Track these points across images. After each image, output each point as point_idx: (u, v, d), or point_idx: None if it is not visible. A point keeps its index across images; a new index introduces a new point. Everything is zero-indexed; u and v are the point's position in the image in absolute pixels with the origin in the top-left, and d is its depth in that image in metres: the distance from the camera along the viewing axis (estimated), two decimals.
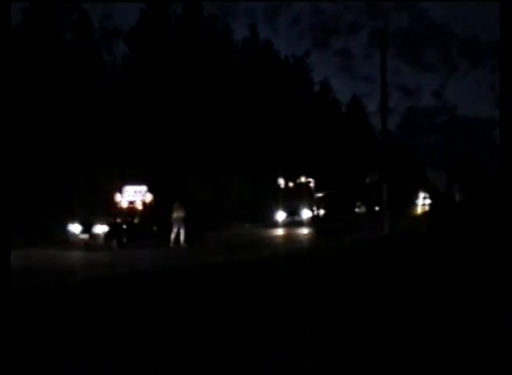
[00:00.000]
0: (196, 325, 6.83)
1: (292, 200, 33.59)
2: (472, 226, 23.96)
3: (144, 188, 23.26)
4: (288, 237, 25.49)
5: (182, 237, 21.30)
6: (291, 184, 35.22)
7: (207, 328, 6.61)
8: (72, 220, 21.56)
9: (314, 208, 35.32)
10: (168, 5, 38.37)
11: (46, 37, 30.82)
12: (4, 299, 5.68)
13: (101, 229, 20.97)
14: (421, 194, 66.57)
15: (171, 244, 21.11)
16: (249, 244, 20.72)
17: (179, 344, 6.07)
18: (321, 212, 36.61)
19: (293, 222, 33.05)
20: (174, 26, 38.99)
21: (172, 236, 21.26)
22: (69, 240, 21.25)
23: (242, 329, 6.69)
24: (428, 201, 62.96)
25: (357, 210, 42.89)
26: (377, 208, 38.54)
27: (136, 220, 22.15)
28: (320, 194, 36.89)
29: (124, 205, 23.14)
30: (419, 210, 56.10)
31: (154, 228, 22.43)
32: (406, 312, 7.67)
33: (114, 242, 20.86)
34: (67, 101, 29.65)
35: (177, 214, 21.47)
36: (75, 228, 21.39)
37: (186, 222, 21.49)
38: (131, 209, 22.82)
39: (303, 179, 35.73)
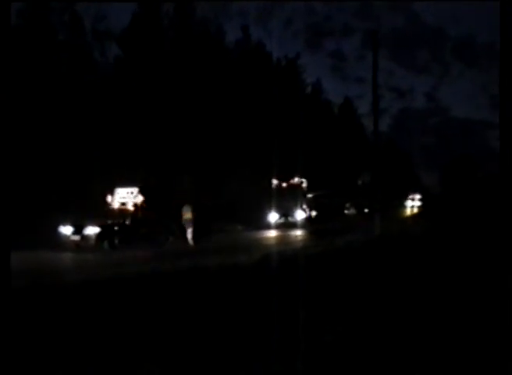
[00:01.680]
0: (182, 336, 6.79)
1: (285, 201, 33.40)
2: (463, 227, 24.04)
3: (135, 190, 23.30)
4: (282, 239, 25.48)
5: (190, 236, 22.67)
6: (284, 185, 35.09)
7: (192, 340, 6.57)
8: (64, 222, 21.55)
9: (307, 210, 35.20)
10: (161, 6, 38.34)
11: (38, 38, 30.74)
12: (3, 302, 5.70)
13: (92, 230, 20.95)
14: (410, 196, 66.58)
15: (190, 243, 22.44)
16: (243, 246, 20.69)
17: (162, 352, 6.08)
18: (313, 213, 36.50)
19: (286, 223, 32.86)
20: (166, 26, 38.97)
21: (189, 236, 22.71)
22: (60, 241, 21.22)
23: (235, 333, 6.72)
24: (417, 203, 62.99)
25: (346, 212, 42.76)
26: (366, 210, 38.57)
27: (127, 222, 22.17)
28: (310, 195, 36.83)
29: (116, 206, 23.18)
30: (408, 212, 56.19)
31: (144, 230, 22.46)
32: (401, 309, 7.74)
33: (106, 244, 20.85)
34: (59, 102, 29.59)
35: (186, 215, 22.68)
36: (66, 230, 21.37)
37: (194, 223, 22.90)
38: (123, 211, 22.85)
39: (296, 179, 35.63)
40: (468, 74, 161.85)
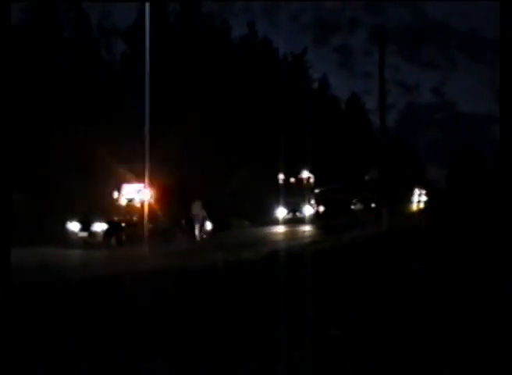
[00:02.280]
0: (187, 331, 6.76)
1: (293, 196, 33.17)
2: (468, 222, 23.97)
3: (142, 186, 23.31)
4: (290, 235, 25.32)
5: (197, 232, 23.12)
6: (292, 180, 34.93)
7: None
8: (71, 218, 21.59)
9: (314, 205, 35.02)
10: (167, 2, 38.28)
11: (45, 35, 30.76)
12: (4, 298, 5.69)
13: (100, 227, 20.99)
14: (417, 191, 66.06)
15: (197, 239, 22.89)
16: (251, 242, 20.56)
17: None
18: (321, 208, 36.31)
19: (294, 219, 32.63)
20: (172, 23, 38.92)
21: (196, 232, 23.10)
22: (67, 238, 21.25)
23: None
24: (424, 198, 62.54)
25: (353, 207, 42.40)
26: (373, 205, 38.42)
27: (135, 218, 22.19)
28: (317, 191, 36.68)
29: (123, 203, 23.21)
30: (414, 207, 56.01)
31: (151, 226, 22.48)
32: (405, 302, 7.75)
33: (113, 240, 20.88)
34: (65, 99, 29.60)
35: (196, 211, 23.15)
36: (74, 226, 21.41)
37: (204, 218, 23.51)
38: (130, 207, 22.88)
39: (304, 174, 35.45)
40: (475, 69, 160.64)
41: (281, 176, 34.83)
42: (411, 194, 65.36)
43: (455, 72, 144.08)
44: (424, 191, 65.79)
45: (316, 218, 33.41)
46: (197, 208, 22.87)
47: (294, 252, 14.98)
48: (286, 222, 31.94)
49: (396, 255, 13.26)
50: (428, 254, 13.32)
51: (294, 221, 31.84)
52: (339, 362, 5.51)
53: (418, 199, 63.36)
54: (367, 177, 38.61)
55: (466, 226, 21.71)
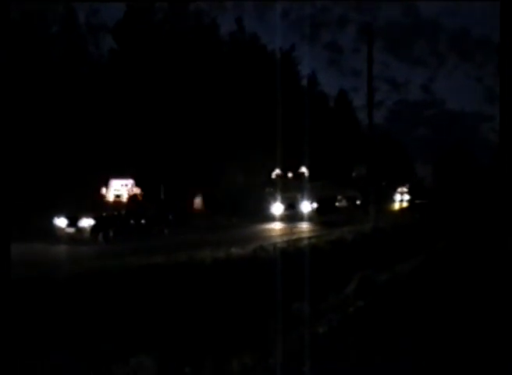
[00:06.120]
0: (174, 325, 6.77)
1: (290, 192, 32.75)
2: (454, 220, 24.22)
3: (130, 182, 23.33)
4: (287, 231, 24.94)
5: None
6: (290, 175, 34.68)
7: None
8: (58, 214, 21.51)
9: (309, 201, 34.66)
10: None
11: (33, 31, 30.60)
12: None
13: (87, 222, 20.94)
14: (399, 190, 65.87)
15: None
16: (242, 238, 20.27)
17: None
18: (314, 205, 35.99)
19: (290, 215, 32.04)
20: (160, 19, 38.79)
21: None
22: (54, 234, 21.17)
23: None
24: (407, 197, 62.37)
25: (337, 204, 42.12)
26: (358, 203, 38.45)
27: (122, 214, 22.18)
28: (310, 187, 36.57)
29: (110, 198, 23.19)
30: (397, 206, 56.21)
31: (139, 222, 22.45)
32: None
33: (100, 236, 20.84)
34: (53, 95, 29.48)
35: (197, 206, 23.08)
36: (61, 222, 21.34)
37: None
38: (117, 203, 22.87)
39: (301, 170, 35.25)
40: (464, 67, 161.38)
41: (277, 172, 34.48)
42: (394, 192, 65.27)
43: (444, 69, 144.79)
44: (406, 190, 65.55)
45: (313, 214, 33.02)
46: (197, 204, 23.18)
47: (283, 249, 14.92)
48: (282, 218, 31.28)
49: (383, 249, 13.48)
50: (410, 248, 13.68)
51: (291, 217, 31.26)
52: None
53: (401, 198, 63.32)
54: (354, 174, 38.56)
55: (451, 224, 21.95)
